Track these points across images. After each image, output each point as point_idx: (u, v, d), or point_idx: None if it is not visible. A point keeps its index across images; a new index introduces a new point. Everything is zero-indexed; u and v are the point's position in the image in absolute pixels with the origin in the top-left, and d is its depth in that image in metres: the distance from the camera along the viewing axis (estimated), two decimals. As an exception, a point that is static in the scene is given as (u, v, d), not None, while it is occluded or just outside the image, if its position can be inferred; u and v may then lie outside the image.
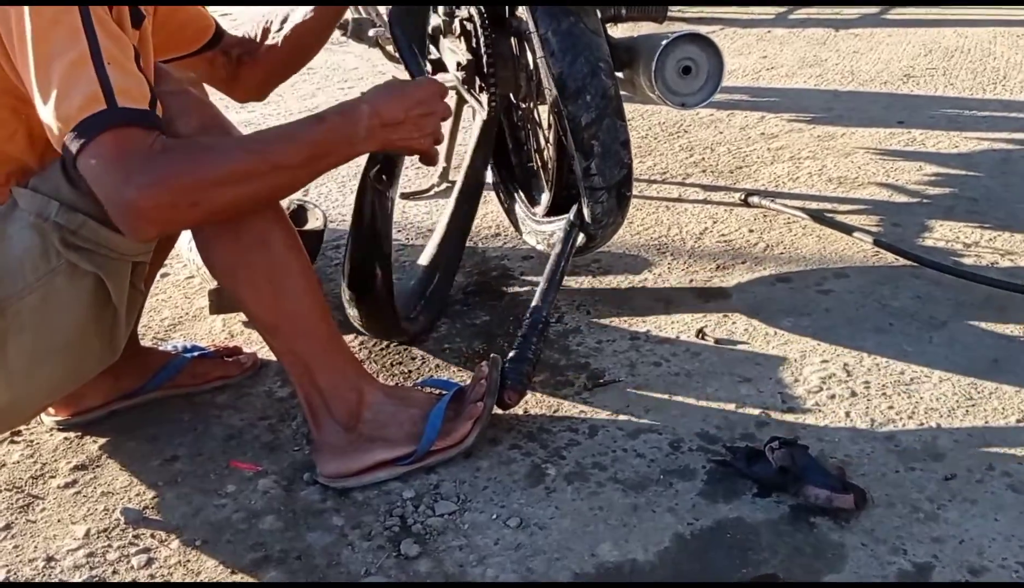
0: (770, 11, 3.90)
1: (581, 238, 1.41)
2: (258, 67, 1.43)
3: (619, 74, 1.42)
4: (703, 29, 3.60)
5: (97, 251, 1.08)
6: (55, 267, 1.07)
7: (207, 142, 1.06)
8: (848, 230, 1.80)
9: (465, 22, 1.54)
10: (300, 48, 1.43)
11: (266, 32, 1.43)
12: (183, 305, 1.71)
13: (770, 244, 1.81)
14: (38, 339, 1.09)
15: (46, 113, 0.96)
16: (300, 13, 1.40)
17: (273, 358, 1.48)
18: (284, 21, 1.42)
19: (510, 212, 1.82)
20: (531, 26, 1.28)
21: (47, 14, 0.95)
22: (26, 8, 0.95)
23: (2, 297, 1.05)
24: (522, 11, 1.37)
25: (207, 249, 1.16)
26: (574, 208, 1.39)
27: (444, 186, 2.20)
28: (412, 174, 2.31)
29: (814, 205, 1.98)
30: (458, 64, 1.54)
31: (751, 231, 1.87)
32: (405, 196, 2.17)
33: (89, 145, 0.95)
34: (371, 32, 2.05)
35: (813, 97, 2.77)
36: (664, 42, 1.38)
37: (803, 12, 3.85)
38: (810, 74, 3.00)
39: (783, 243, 1.81)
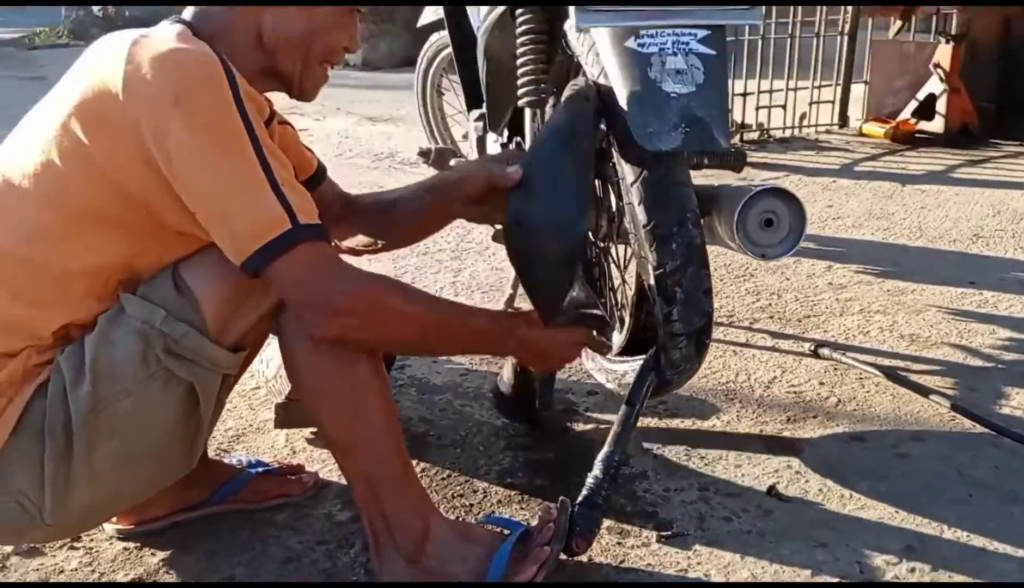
0: (835, 161, 3.95)
1: (655, 382, 1.40)
2: (352, 227, 1.47)
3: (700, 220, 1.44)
4: (767, 175, 3.65)
5: (196, 361, 1.11)
6: (152, 373, 1.10)
7: (399, 282, 1.21)
8: (924, 392, 1.76)
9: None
10: (397, 221, 1.46)
11: (371, 196, 1.49)
12: (248, 416, 1.72)
13: (842, 399, 1.77)
14: (126, 444, 1.11)
15: (225, 233, 1.05)
16: (410, 192, 1.45)
17: (334, 479, 1.47)
18: (395, 202, 1.46)
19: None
20: (622, 173, 1.30)
21: (218, 143, 1.04)
22: (194, 138, 1.02)
23: (99, 398, 1.08)
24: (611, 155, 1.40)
25: (294, 361, 1.17)
26: (651, 352, 1.38)
27: (510, 311, 2.21)
28: (478, 297, 2.33)
29: (886, 362, 1.95)
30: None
31: (822, 383, 1.84)
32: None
33: (282, 258, 1.04)
34: (452, 162, 2.11)
35: (881, 250, 2.77)
36: (748, 194, 1.40)
37: (868, 165, 3.89)
38: (877, 227, 3.00)
39: (856, 399, 1.77)
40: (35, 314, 1.10)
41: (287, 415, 1.60)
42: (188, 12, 1.21)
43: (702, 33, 1.23)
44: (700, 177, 1.55)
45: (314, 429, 1.63)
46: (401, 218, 1.45)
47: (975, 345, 2.05)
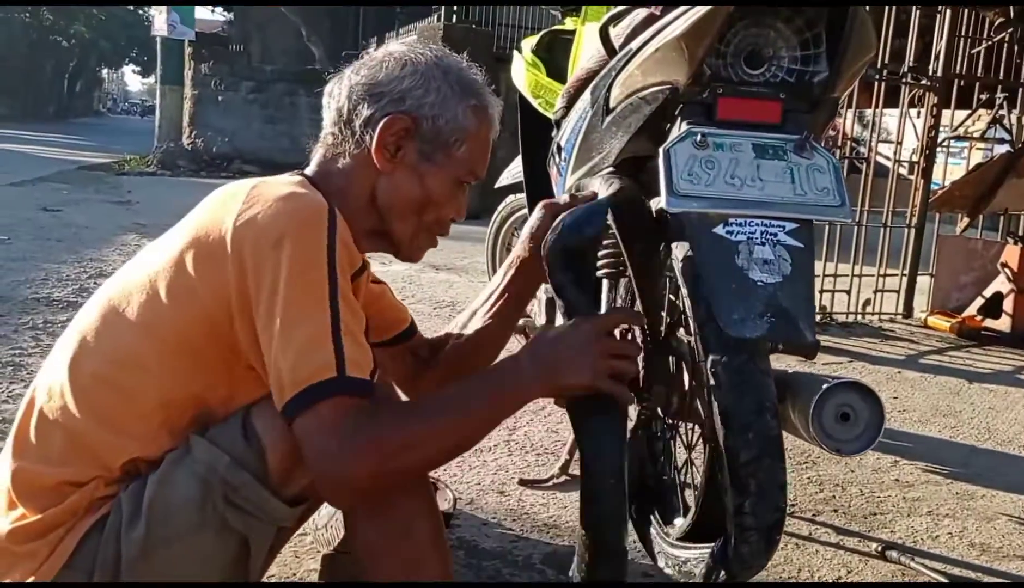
0: (900, 351, 3.90)
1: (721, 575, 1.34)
2: (438, 372, 1.48)
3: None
4: (830, 359, 3.61)
5: (253, 513, 1.09)
6: (207, 520, 1.08)
7: (407, 405, 1.21)
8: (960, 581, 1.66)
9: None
10: (478, 354, 1.47)
11: (448, 337, 1.50)
12: (292, 564, 1.68)
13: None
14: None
15: (277, 369, 1.05)
16: (480, 318, 1.47)
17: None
18: (464, 326, 1.48)
19: (639, 526, 1.75)
20: (699, 354, 1.29)
21: (301, 282, 1.07)
22: (281, 279, 1.06)
23: (151, 542, 1.06)
24: (684, 335, 1.40)
25: (352, 528, 1.15)
26: (718, 543, 1.33)
27: (564, 478, 2.16)
28: (532, 459, 2.30)
29: (956, 571, 1.85)
30: (612, 371, 1.56)
31: (889, 590, 1.75)
32: (523, 483, 2.14)
33: (310, 410, 1.03)
34: (520, 321, 2.12)
35: (948, 449, 2.68)
36: (824, 387, 1.37)
37: (934, 358, 3.83)
38: (944, 424, 2.92)
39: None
40: (114, 441, 1.11)
41: (333, 567, 1.56)
42: (311, 167, 1.28)
43: (791, 225, 1.24)
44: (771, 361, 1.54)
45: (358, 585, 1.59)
46: (485, 345, 1.47)
47: (1052, 562, 1.94)
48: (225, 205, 1.14)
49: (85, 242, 5.11)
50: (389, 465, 1.07)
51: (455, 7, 9.40)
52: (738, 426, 1.23)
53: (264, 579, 1.59)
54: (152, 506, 1.08)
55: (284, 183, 1.18)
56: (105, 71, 50.70)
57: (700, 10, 1.25)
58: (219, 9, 22.17)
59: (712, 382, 1.26)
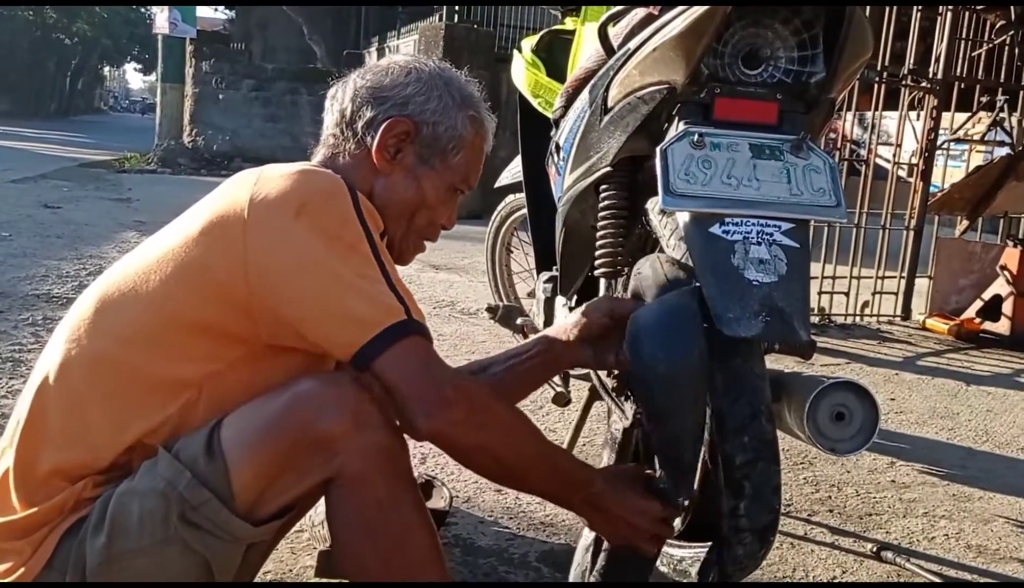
0: (898, 353, 3.90)
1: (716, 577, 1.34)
2: None
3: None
4: (828, 360, 3.61)
5: (213, 532, 1.07)
6: (170, 536, 1.07)
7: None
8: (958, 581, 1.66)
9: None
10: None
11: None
12: (288, 560, 1.68)
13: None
14: None
15: (339, 327, 1.10)
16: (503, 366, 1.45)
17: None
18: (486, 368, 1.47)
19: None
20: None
21: (340, 246, 1.12)
22: (317, 242, 1.11)
23: (113, 553, 1.06)
24: None
25: (341, 547, 1.14)
26: (713, 546, 1.33)
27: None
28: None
29: (952, 573, 1.86)
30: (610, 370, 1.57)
31: (884, 590, 1.75)
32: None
33: (396, 346, 1.09)
34: (519, 320, 2.13)
35: (945, 451, 2.68)
36: (819, 387, 1.37)
37: (932, 360, 3.83)
38: (941, 426, 2.92)
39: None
40: (115, 422, 1.12)
41: (330, 563, 1.56)
42: (313, 162, 1.33)
43: (787, 225, 1.24)
44: (767, 361, 1.54)
45: (355, 581, 1.59)
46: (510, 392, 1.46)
47: (1048, 564, 1.95)
48: (237, 187, 1.18)
49: (85, 239, 5.12)
50: (474, 418, 1.11)
51: (456, 7, 9.40)
52: (733, 429, 1.23)
53: (260, 574, 1.59)
54: (115, 517, 1.07)
55: (295, 164, 1.22)
56: (107, 69, 50.68)
57: (698, 10, 1.25)
58: (221, 7, 22.19)
59: (708, 386, 1.26)
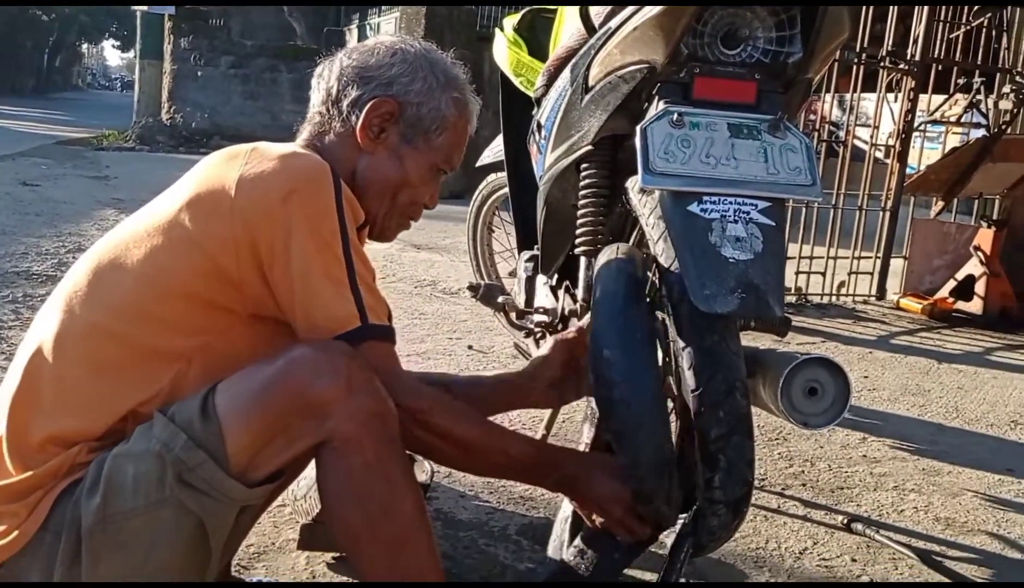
0: (872, 332, 3.96)
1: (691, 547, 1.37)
2: None
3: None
4: (804, 339, 3.66)
5: (209, 493, 1.09)
6: (166, 497, 1.09)
7: (452, 401, 1.27)
8: (959, 581, 1.71)
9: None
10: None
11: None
12: (271, 534, 1.71)
13: (874, 578, 1.73)
14: (132, 561, 1.09)
15: (302, 321, 1.16)
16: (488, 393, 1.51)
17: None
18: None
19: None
20: (673, 334, 1.32)
21: (315, 240, 1.16)
22: (297, 232, 1.14)
23: (108, 513, 1.08)
24: (661, 315, 1.42)
25: (330, 512, 1.16)
26: (689, 517, 1.36)
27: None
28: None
29: (920, 544, 1.90)
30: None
31: (854, 560, 1.80)
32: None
33: (351, 350, 1.13)
34: (500, 298, 2.15)
35: (916, 427, 2.74)
36: (793, 363, 1.40)
37: (905, 339, 3.90)
38: (913, 403, 2.98)
39: (889, 580, 1.72)
40: (109, 391, 1.14)
41: (312, 537, 1.59)
42: (298, 142, 1.35)
43: (763, 204, 1.27)
44: (743, 339, 1.57)
45: (336, 555, 1.62)
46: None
47: (1014, 536, 2.00)
48: (225, 164, 1.20)
49: (64, 217, 5.09)
50: (414, 430, 1.18)
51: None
52: (709, 404, 1.25)
53: (244, 547, 1.62)
54: (110, 478, 1.09)
55: (282, 145, 1.25)
56: (85, 46, 49.94)
57: (677, -10, 1.27)
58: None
59: (684, 360, 1.29)
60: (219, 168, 1.21)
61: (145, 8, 12.63)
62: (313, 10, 14.78)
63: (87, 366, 1.15)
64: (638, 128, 1.30)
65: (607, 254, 1.42)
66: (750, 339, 1.67)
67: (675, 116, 1.30)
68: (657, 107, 1.34)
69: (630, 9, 1.39)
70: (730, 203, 1.28)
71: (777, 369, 1.42)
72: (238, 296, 1.17)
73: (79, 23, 36.88)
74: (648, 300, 1.40)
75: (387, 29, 10.12)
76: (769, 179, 1.30)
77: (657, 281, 1.39)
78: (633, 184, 1.50)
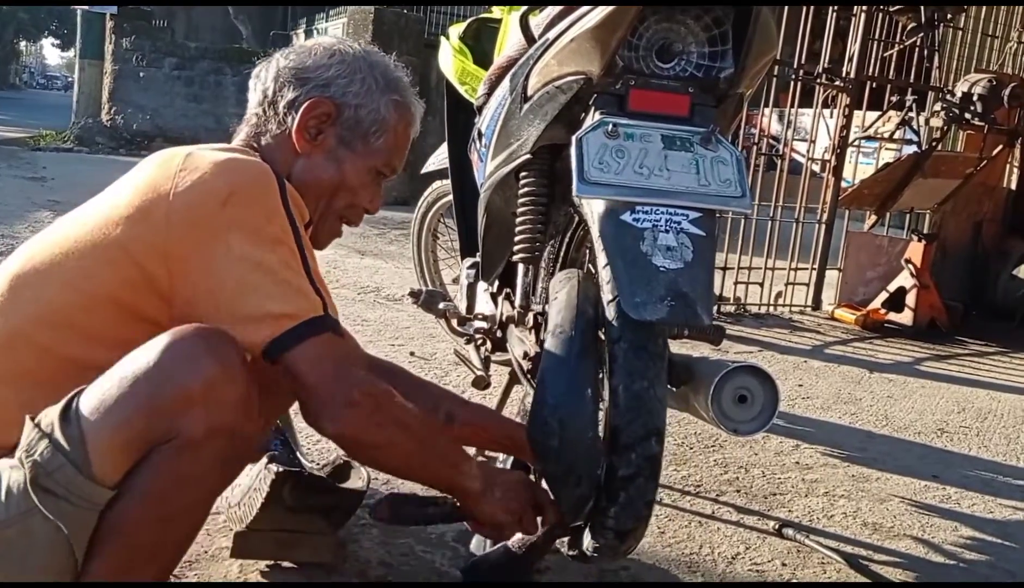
0: (807, 341, 4.05)
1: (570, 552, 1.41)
2: None
3: (674, 389, 1.47)
4: (742, 348, 3.73)
5: (68, 498, 1.04)
6: (32, 506, 1.04)
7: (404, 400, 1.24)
8: (885, 585, 1.76)
9: (538, 316, 1.63)
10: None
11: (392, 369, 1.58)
12: (204, 542, 1.68)
13: (803, 582, 1.77)
14: (7, 573, 1.05)
15: (250, 311, 1.11)
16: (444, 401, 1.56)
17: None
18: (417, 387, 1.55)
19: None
20: (607, 369, 1.33)
21: (266, 238, 1.14)
22: (241, 234, 1.12)
23: None
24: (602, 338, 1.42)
25: (122, 496, 1.07)
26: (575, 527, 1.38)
27: (479, 458, 2.20)
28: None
29: (848, 548, 1.95)
30: (525, 354, 1.61)
31: (784, 565, 1.84)
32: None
33: (310, 342, 1.12)
34: (441, 305, 2.15)
35: (847, 434, 2.81)
36: (723, 371, 1.44)
37: (839, 349, 3.99)
38: (845, 411, 3.05)
39: (817, 583, 1.77)
40: (25, 400, 1.09)
41: (245, 545, 1.57)
42: (235, 143, 1.34)
43: (694, 215, 1.30)
44: (678, 346, 1.60)
45: (270, 563, 1.60)
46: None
47: (937, 541, 2.06)
48: (160, 168, 1.17)
49: (-4, 218, 4.95)
50: (375, 418, 1.17)
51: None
52: (623, 445, 1.26)
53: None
54: None
55: (219, 148, 1.24)
56: (23, 44, 48.67)
57: (611, 4, 1.29)
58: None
59: (610, 396, 1.29)
60: (154, 173, 1.18)
61: (85, 7, 12.35)
62: (260, 13, 14.63)
63: (5, 373, 1.12)
64: (573, 138, 1.32)
65: (563, 287, 1.43)
66: (688, 348, 1.70)
67: (610, 127, 1.33)
68: (593, 117, 1.37)
69: (567, 21, 1.42)
70: (662, 213, 1.30)
71: (708, 377, 1.45)
72: (166, 308, 1.14)
73: (17, 20, 35.96)
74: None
75: (335, 34, 10.06)
76: (700, 190, 1.33)
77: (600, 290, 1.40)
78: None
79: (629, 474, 1.28)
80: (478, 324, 2.02)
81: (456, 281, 2.59)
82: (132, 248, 1.13)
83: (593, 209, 1.34)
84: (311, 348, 1.13)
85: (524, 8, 1.61)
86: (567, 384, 1.31)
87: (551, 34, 1.47)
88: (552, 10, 1.55)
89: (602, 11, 1.32)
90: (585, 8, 1.37)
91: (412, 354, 3.15)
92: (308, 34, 11.42)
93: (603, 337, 1.36)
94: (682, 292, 1.25)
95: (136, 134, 11.47)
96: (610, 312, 1.32)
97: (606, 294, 1.32)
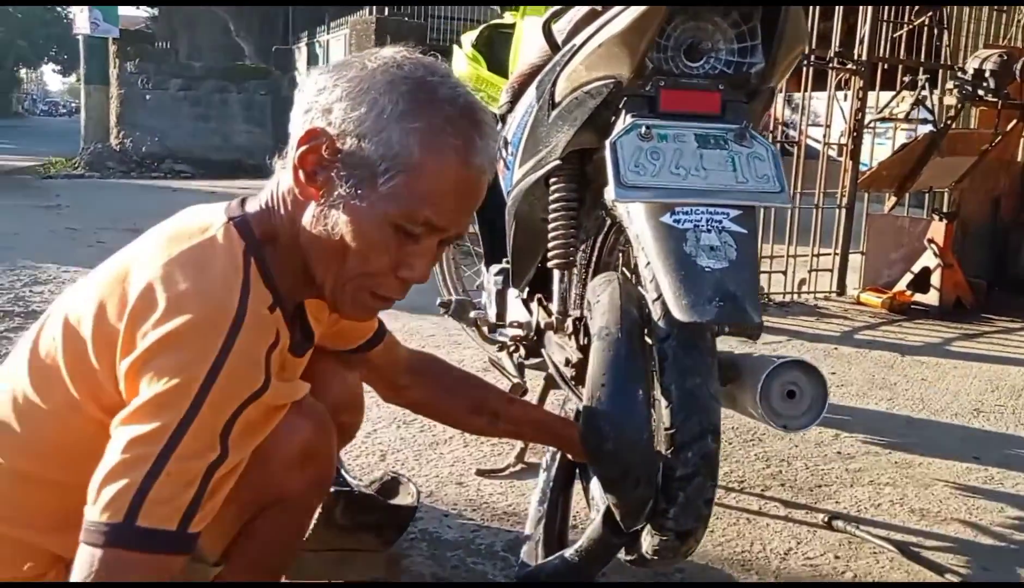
0: (835, 328, 4.02)
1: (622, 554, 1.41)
2: (420, 391, 1.48)
3: (720, 388, 1.46)
4: (769, 338, 3.71)
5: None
6: None
7: None
8: (939, 570, 1.75)
9: (577, 322, 1.62)
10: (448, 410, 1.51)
11: (432, 362, 1.52)
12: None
13: (858, 574, 1.75)
14: None
15: (96, 473, 0.94)
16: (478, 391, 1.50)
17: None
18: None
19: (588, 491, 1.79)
20: (655, 365, 1.32)
21: (156, 396, 0.93)
22: (148, 386, 0.94)
23: None
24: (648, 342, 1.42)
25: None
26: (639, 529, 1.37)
27: (520, 466, 2.20)
28: (487, 449, 2.32)
29: (898, 536, 1.94)
30: (566, 360, 1.60)
31: (837, 557, 1.82)
32: (480, 473, 2.17)
33: (92, 551, 0.91)
34: (472, 314, 2.15)
35: (886, 421, 2.79)
36: (771, 367, 1.42)
37: (868, 333, 3.96)
38: (881, 397, 3.03)
39: (872, 575, 1.75)
40: (57, 540, 1.07)
41: (298, 566, 1.56)
42: (255, 200, 1.10)
43: (734, 212, 1.29)
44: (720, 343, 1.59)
45: (323, 582, 1.60)
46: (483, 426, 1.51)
47: (984, 523, 2.04)
48: (132, 279, 1.01)
49: (16, 249, 4.97)
50: None
51: (386, 5, 9.34)
52: (680, 443, 1.26)
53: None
54: None
55: (202, 261, 1.01)
56: (23, 71, 49.01)
57: (640, 6, 1.29)
58: (143, 5, 21.63)
59: (662, 396, 1.29)
60: (121, 288, 1.01)
61: (87, 31, 12.41)
62: (260, 29, 14.67)
63: (21, 518, 1.08)
64: (607, 142, 1.32)
65: (604, 290, 1.42)
66: (719, 343, 1.69)
67: (643, 129, 1.32)
68: (625, 121, 1.36)
69: (594, 26, 1.41)
70: (702, 212, 1.30)
71: (755, 374, 1.44)
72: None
73: (16, 48, 36.19)
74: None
75: (337, 46, 10.08)
76: (739, 187, 1.32)
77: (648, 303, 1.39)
78: (607, 197, 1.51)
79: (687, 473, 1.27)
80: (511, 331, 2.01)
81: (479, 287, 2.59)
82: (102, 375, 1.01)
83: (632, 212, 1.33)
84: (90, 559, 0.91)
85: (545, 15, 1.60)
86: (618, 386, 1.30)
87: (577, 40, 1.46)
88: (575, 15, 1.54)
89: (630, 15, 1.31)
90: (611, 13, 1.37)
91: (440, 363, 3.14)
92: (310, 47, 11.44)
93: (648, 338, 1.35)
94: (730, 292, 1.24)
95: (146, 156, 11.53)
96: (656, 311, 1.31)
97: (650, 293, 1.32)
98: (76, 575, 0.92)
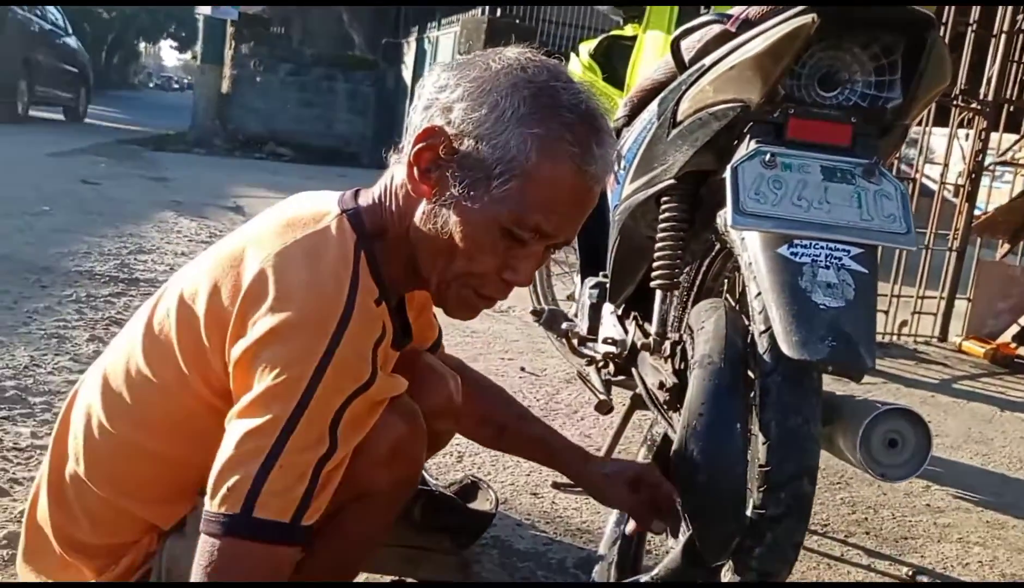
0: (934, 375, 3.87)
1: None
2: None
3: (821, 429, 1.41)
4: (866, 380, 3.59)
5: None
6: None
7: None
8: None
9: (675, 345, 1.59)
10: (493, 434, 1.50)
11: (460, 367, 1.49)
12: (332, 550, 1.70)
13: (945, 638, 1.68)
14: None
15: (214, 467, 0.98)
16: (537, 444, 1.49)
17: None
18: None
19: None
20: (756, 400, 1.28)
21: (268, 389, 0.96)
22: (260, 377, 0.97)
23: None
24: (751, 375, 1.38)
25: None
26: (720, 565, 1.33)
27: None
28: (565, 463, 2.30)
29: (989, 602, 1.85)
30: (661, 384, 1.57)
31: (922, 617, 1.75)
32: (556, 486, 2.14)
33: (210, 540, 0.95)
34: (564, 325, 2.13)
35: (980, 477, 2.66)
36: (874, 413, 1.37)
37: (967, 384, 3.80)
38: (976, 451, 2.90)
39: (960, 641, 1.67)
40: (157, 510, 1.12)
41: (371, 559, 1.58)
42: (368, 193, 1.13)
43: (856, 250, 1.24)
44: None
45: (394, 578, 1.61)
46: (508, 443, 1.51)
47: (1086, 600, 1.93)
48: (245, 261, 1.04)
49: (125, 217, 5.17)
50: None
51: (498, 6, 9.40)
52: (774, 483, 1.23)
53: None
54: (170, 572, 1.09)
55: (313, 251, 1.03)
56: (143, 45, 50.98)
57: (781, 30, 1.25)
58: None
59: (761, 432, 1.25)
60: (235, 268, 1.04)
61: (208, 12, 12.84)
62: (372, 21, 14.95)
63: (127, 492, 1.12)
64: (729, 167, 1.29)
65: (710, 316, 1.39)
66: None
67: (768, 156, 1.28)
68: (749, 146, 1.32)
69: (727, 47, 1.38)
70: (822, 248, 1.25)
71: (856, 419, 1.39)
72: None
73: (138, 22, 37.63)
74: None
75: (446, 44, 10.19)
76: (863, 225, 1.27)
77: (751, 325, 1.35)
78: (721, 221, 1.47)
79: (778, 514, 1.23)
80: (603, 347, 1.98)
81: (570, 297, 2.57)
82: (214, 356, 1.05)
83: (747, 240, 1.30)
84: (209, 549, 0.96)
85: (675, 33, 1.57)
86: (717, 417, 1.27)
87: (707, 60, 1.43)
88: (705, 35, 1.51)
89: (768, 38, 1.27)
90: (747, 35, 1.33)
91: (522, 369, 3.14)
92: (419, 43, 11.59)
93: (751, 371, 1.32)
94: (844, 332, 1.19)
95: (250, 137, 11.85)
96: (762, 344, 1.27)
97: (758, 325, 1.28)
98: (197, 563, 0.96)
